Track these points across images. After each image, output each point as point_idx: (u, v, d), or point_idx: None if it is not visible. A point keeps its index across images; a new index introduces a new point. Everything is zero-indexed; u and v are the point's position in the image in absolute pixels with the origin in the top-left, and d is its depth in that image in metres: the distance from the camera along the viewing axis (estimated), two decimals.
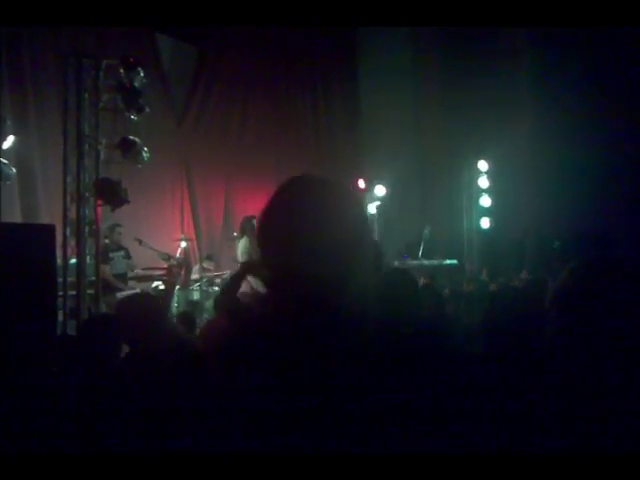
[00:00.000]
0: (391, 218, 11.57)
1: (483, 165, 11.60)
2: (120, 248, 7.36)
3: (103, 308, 6.67)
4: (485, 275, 9.64)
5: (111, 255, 7.24)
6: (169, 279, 7.05)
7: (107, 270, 7.01)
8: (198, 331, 5.13)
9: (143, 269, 7.33)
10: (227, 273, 8.84)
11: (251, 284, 7.55)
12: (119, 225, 7.21)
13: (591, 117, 10.34)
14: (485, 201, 11.62)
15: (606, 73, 10.55)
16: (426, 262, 10.69)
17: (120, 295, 6.99)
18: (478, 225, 11.73)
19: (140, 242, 7.20)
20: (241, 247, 7.76)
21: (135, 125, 6.56)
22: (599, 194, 10.31)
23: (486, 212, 11.69)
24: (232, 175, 10.79)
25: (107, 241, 7.26)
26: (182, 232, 9.21)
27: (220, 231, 10.25)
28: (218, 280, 8.85)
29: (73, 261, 6.10)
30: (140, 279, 7.25)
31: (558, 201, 10.62)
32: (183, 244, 8.86)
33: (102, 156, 6.14)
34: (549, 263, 9.63)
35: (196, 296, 8.70)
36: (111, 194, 5.90)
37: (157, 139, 8.87)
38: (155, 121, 8.33)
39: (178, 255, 8.67)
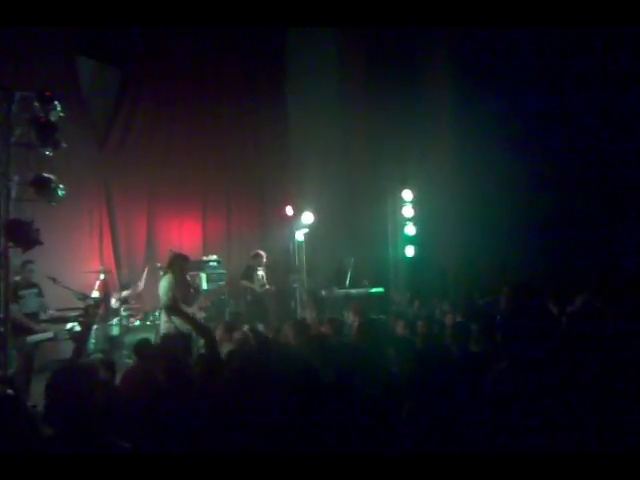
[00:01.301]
0: (318, 245, 11.59)
1: (407, 194, 11.85)
2: (32, 286, 6.93)
3: (13, 351, 6.27)
4: (416, 307, 9.79)
5: (21, 293, 6.80)
6: (86, 320, 6.70)
7: (16, 309, 6.59)
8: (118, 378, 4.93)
9: (58, 310, 6.93)
10: (150, 308, 8.57)
11: (175, 324, 7.39)
12: (31, 262, 6.79)
13: (511, 146, 10.79)
14: (410, 230, 11.87)
15: (524, 102, 11.05)
16: (353, 291, 10.78)
17: (31, 338, 6.61)
18: (403, 253, 11.96)
19: (54, 280, 6.81)
20: (165, 283, 7.52)
21: (50, 158, 6.21)
22: (519, 220, 10.76)
23: (411, 240, 11.93)
24: (155, 201, 10.48)
25: (18, 278, 6.83)
26: (101, 264, 8.82)
27: (143, 260, 9.90)
28: (137, 314, 8.55)
29: None
30: (55, 320, 6.84)
31: (480, 228, 11.00)
32: (102, 276, 8.50)
33: (13, 194, 5.75)
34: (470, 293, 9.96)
35: (115, 331, 8.35)
36: (22, 235, 5.54)
37: (75, 166, 8.50)
38: (74, 147, 7.95)
39: (96, 289, 8.31)
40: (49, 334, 6.73)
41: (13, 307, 6.34)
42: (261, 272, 9.81)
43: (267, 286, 9.87)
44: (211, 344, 4.40)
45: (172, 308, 7.32)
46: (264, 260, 9.91)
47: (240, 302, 10.07)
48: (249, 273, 9.82)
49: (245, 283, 9.84)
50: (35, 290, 6.92)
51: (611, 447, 2.16)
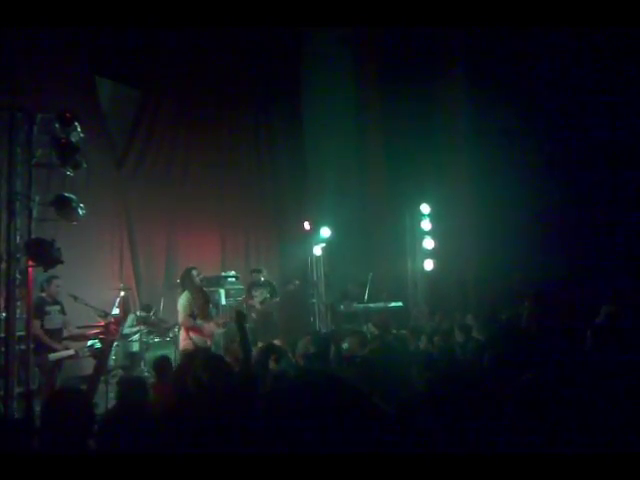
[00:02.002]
0: (336, 260, 11.60)
1: (425, 208, 11.82)
2: (56, 302, 7.03)
3: (35, 368, 6.35)
4: (437, 321, 9.71)
5: (47, 309, 6.90)
6: (106, 337, 6.76)
7: (38, 326, 6.67)
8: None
9: (78, 327, 7.00)
10: (170, 323, 8.61)
11: (194, 340, 7.43)
12: (56, 277, 6.89)
13: (525, 158, 10.77)
14: (428, 243, 11.82)
15: (535, 117, 11.03)
16: (372, 305, 10.75)
17: (52, 356, 6.68)
18: (422, 267, 11.90)
19: (75, 298, 6.88)
20: (182, 301, 7.59)
21: (71, 178, 6.32)
22: (536, 232, 10.68)
23: (429, 254, 11.88)
24: (174, 221, 10.56)
25: (43, 294, 6.93)
26: (121, 281, 8.90)
27: (162, 279, 9.97)
28: (157, 331, 8.60)
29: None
30: (76, 338, 6.92)
31: (497, 240, 10.93)
32: (122, 293, 8.59)
33: (35, 214, 5.85)
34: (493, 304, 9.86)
35: (135, 347, 8.41)
36: (43, 255, 5.63)
37: (96, 185, 8.62)
38: (93, 167, 8.09)
39: (116, 306, 8.39)
40: (70, 351, 6.81)
41: (35, 324, 6.44)
42: (261, 290, 9.57)
43: (267, 300, 9.54)
44: (247, 360, 4.41)
45: (189, 325, 7.42)
46: (262, 275, 9.72)
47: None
48: (249, 291, 9.64)
49: (247, 302, 9.62)
50: (59, 307, 7.02)
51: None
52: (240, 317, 4.99)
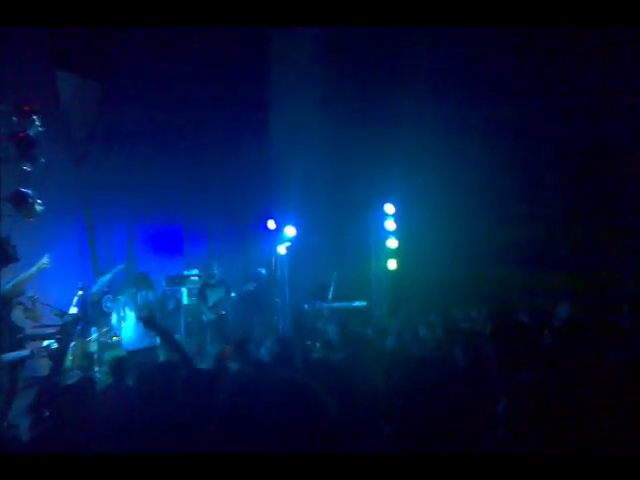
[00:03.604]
0: (301, 259, 11.57)
1: (389, 208, 11.86)
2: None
3: None
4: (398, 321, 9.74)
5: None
6: (63, 337, 6.58)
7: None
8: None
9: (34, 327, 6.80)
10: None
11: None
12: None
13: (493, 158, 10.91)
14: (392, 243, 11.86)
15: (499, 118, 11.20)
16: (336, 304, 10.78)
17: (6, 356, 6.44)
18: (385, 266, 11.95)
19: (33, 300, 6.66)
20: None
21: (28, 173, 6.14)
22: (501, 233, 10.85)
23: (393, 254, 11.93)
24: (136, 216, 10.40)
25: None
26: (80, 279, 8.69)
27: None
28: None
29: None
30: (32, 338, 6.71)
31: (461, 241, 11.06)
32: (80, 292, 8.37)
33: None
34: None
35: (93, 348, 8.23)
36: None
37: (54, 179, 8.39)
38: (52, 161, 7.86)
39: (74, 305, 8.18)
40: (25, 352, 6.59)
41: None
42: (215, 290, 9.45)
43: (223, 312, 9.45)
44: (186, 361, 4.32)
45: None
46: (215, 272, 9.56)
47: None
48: (203, 292, 9.48)
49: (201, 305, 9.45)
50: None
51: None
52: (148, 323, 4.98)
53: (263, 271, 10.88)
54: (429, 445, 2.81)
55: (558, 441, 2.19)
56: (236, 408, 2.35)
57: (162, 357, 7.28)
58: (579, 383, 2.49)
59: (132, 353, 7.20)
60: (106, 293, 8.04)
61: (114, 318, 7.79)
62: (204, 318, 9.34)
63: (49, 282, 7.71)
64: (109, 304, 7.84)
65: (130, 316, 7.42)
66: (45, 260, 6.41)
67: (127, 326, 7.61)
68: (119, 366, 5.42)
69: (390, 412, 3.34)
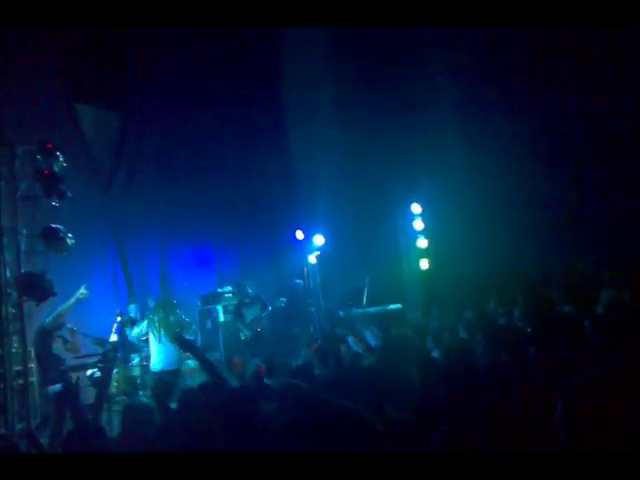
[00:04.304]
0: (332, 267, 11.55)
1: (416, 208, 11.76)
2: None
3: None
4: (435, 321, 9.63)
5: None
6: (105, 365, 6.69)
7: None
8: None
9: (76, 357, 6.92)
10: None
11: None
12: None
13: (516, 157, 10.74)
14: (422, 243, 11.75)
15: (527, 115, 11.02)
16: (371, 309, 10.68)
17: (52, 388, 6.57)
18: (417, 267, 11.83)
19: (72, 331, 6.79)
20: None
21: (57, 208, 6.27)
22: (529, 229, 10.67)
23: (424, 254, 11.81)
24: (166, 239, 10.54)
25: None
26: (118, 306, 8.83)
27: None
28: None
29: None
30: (75, 368, 6.83)
31: (492, 235, 10.90)
32: (118, 319, 8.50)
33: (23, 247, 5.80)
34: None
35: (136, 372, 8.35)
36: (35, 288, 5.58)
37: (83, 212, 8.55)
38: (80, 193, 8.02)
39: (114, 332, 8.31)
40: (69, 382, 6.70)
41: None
42: (251, 309, 9.50)
43: (259, 329, 9.48)
44: (220, 379, 4.34)
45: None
46: (249, 291, 9.62)
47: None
48: (239, 310, 9.54)
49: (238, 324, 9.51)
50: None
51: None
52: (181, 343, 5.03)
53: (300, 282, 10.91)
54: (478, 447, 2.74)
55: (620, 443, 2.09)
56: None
57: (184, 379, 7.46)
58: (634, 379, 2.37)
59: (157, 374, 7.30)
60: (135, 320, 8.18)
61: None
62: (241, 336, 9.38)
63: (88, 312, 7.86)
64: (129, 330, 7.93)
65: (155, 339, 7.49)
66: (83, 291, 6.54)
67: (153, 348, 7.67)
68: (161, 390, 5.48)
69: (440, 414, 3.27)
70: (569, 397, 2.23)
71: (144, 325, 7.48)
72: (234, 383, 4.89)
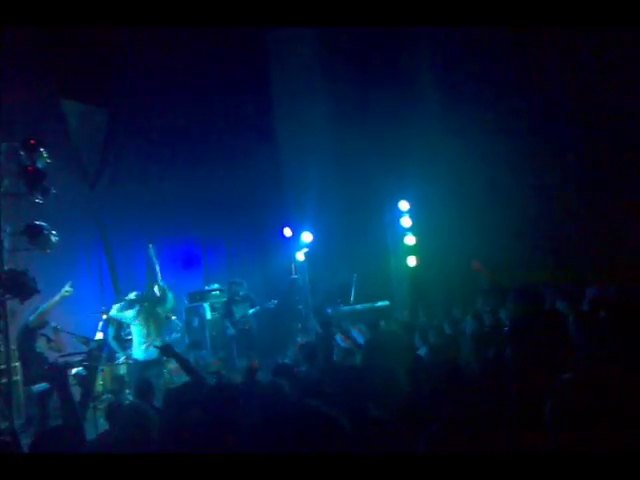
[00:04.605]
0: (320, 264, 11.54)
1: (404, 205, 11.77)
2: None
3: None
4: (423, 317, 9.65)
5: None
6: (90, 363, 6.63)
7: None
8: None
9: (61, 356, 6.86)
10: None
11: None
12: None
13: (505, 155, 10.77)
14: (409, 240, 11.76)
15: (514, 113, 11.05)
16: (358, 307, 10.68)
17: (36, 387, 6.51)
18: (405, 264, 11.84)
19: (56, 329, 6.73)
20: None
21: (41, 205, 6.20)
22: (515, 226, 10.70)
23: (411, 251, 11.82)
24: (153, 235, 10.44)
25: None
26: (103, 304, 8.76)
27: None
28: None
29: None
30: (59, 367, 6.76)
31: (479, 232, 10.92)
32: (104, 317, 8.43)
33: (7, 245, 5.73)
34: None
35: (122, 370, 8.28)
36: (18, 286, 5.51)
37: (68, 208, 8.47)
38: (65, 190, 7.94)
39: (99, 330, 8.26)
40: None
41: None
42: (241, 306, 9.46)
43: (247, 326, 9.51)
44: (200, 381, 4.33)
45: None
46: (242, 289, 9.62)
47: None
48: (229, 307, 9.54)
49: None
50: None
51: None
52: (165, 351, 5.04)
53: (297, 277, 10.92)
54: (466, 447, 2.74)
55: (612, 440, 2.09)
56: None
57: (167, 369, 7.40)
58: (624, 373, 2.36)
59: (140, 364, 7.27)
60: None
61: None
62: (228, 332, 9.37)
63: (73, 310, 7.80)
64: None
65: (141, 327, 7.46)
66: (67, 288, 6.48)
67: (136, 338, 7.64)
68: (144, 389, 5.43)
69: (427, 414, 3.26)
70: (559, 395, 2.22)
71: (133, 312, 7.45)
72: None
